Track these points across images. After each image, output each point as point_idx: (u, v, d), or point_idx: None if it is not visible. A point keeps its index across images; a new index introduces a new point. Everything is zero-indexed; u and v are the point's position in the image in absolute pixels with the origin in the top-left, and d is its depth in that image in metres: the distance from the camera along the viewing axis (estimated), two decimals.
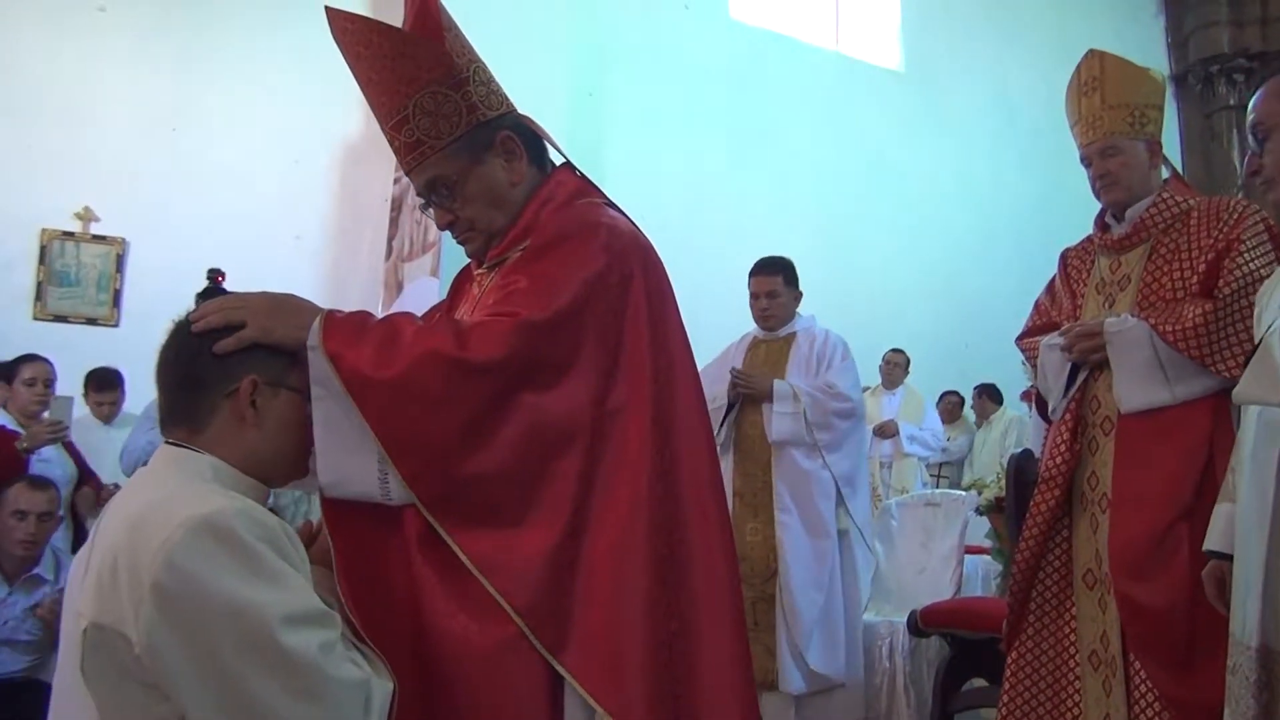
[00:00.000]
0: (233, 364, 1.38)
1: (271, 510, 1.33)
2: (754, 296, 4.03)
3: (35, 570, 3.34)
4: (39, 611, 3.30)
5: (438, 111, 1.70)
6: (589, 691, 1.44)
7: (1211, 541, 1.94)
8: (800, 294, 4.09)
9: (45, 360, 4.23)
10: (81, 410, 4.97)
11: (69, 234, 6.09)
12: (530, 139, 1.82)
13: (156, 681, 1.18)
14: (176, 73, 6.45)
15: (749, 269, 4.14)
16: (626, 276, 1.64)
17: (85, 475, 4.21)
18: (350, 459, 1.42)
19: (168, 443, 1.40)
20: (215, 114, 6.52)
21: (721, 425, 3.80)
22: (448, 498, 1.44)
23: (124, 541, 1.22)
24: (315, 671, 1.20)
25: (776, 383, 3.77)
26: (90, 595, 1.23)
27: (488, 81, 1.79)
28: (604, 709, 1.43)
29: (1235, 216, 2.38)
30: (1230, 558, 1.85)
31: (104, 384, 4.95)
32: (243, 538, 1.20)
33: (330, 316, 1.49)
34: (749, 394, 3.79)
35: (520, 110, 1.85)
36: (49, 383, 4.19)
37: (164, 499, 1.25)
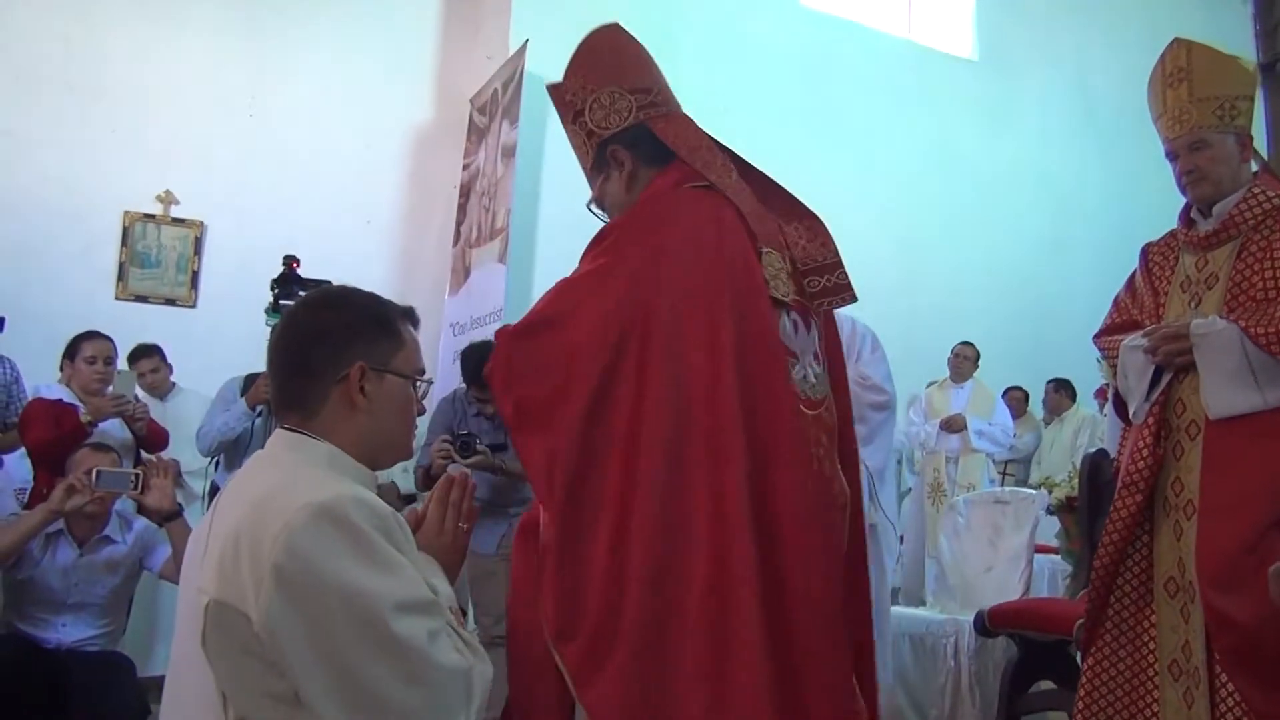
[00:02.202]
0: (341, 351, 1.43)
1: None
2: None
3: (104, 533, 3.44)
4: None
5: (578, 147, 2.02)
6: None
7: None
8: None
9: (106, 338, 4.28)
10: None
11: (150, 216, 6.25)
12: (648, 141, 1.94)
13: (273, 658, 1.23)
14: (254, 59, 6.58)
15: None
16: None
17: (156, 435, 4.33)
18: None
19: (284, 428, 1.45)
20: (290, 100, 6.64)
21: None
22: None
23: (246, 523, 1.28)
24: (423, 657, 1.25)
25: None
26: (212, 573, 1.29)
27: (610, 102, 1.96)
28: None
29: None
30: None
31: (139, 354, 4.96)
32: (359, 525, 1.26)
33: None
34: None
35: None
36: (109, 360, 4.23)
37: (285, 484, 1.31)
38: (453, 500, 1.56)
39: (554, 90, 1.99)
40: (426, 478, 4.06)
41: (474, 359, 3.97)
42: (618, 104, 1.95)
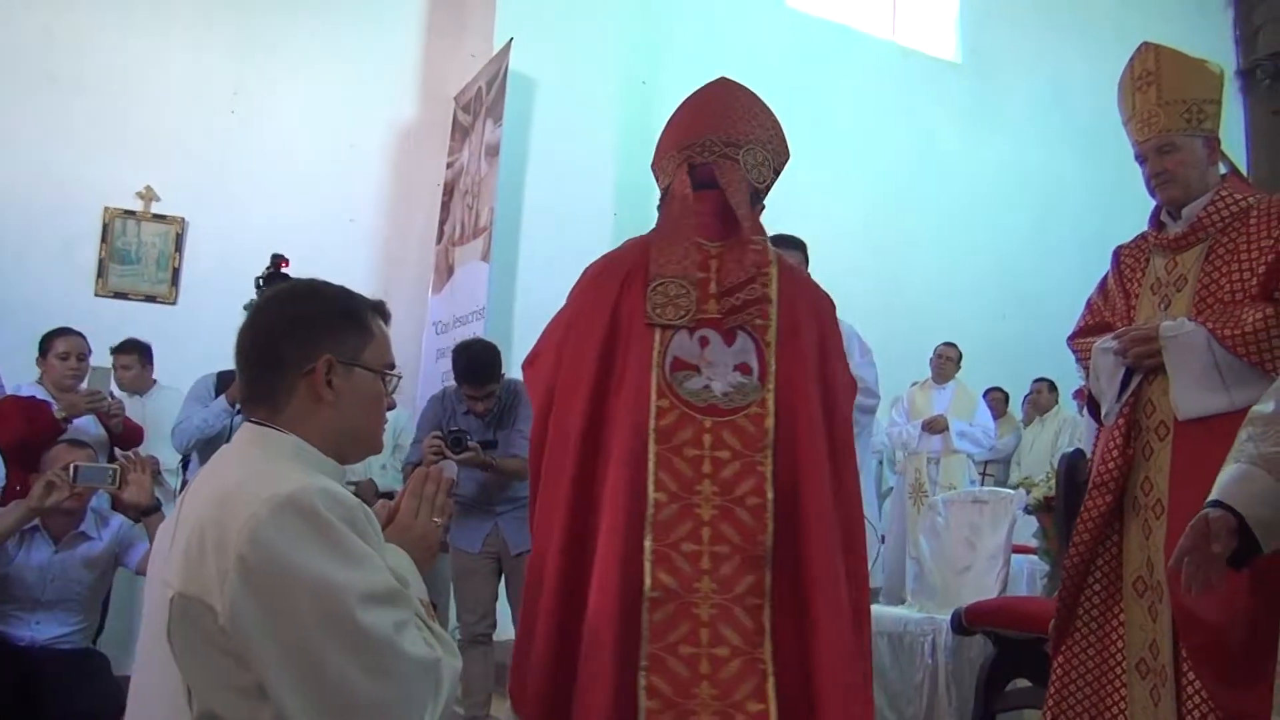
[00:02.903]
0: (310, 344, 1.42)
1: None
2: None
3: (80, 529, 3.43)
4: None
5: None
6: None
7: (1218, 492, 1.80)
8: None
9: (78, 334, 4.27)
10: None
11: (130, 212, 6.22)
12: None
13: (238, 651, 1.22)
14: (237, 56, 6.56)
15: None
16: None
17: (131, 432, 4.31)
18: None
19: (250, 421, 1.44)
20: (274, 97, 6.62)
21: None
22: None
23: (211, 516, 1.27)
24: (389, 649, 1.24)
25: None
26: (178, 566, 1.29)
27: (663, 164, 2.25)
28: None
29: None
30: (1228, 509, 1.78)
31: (119, 349, 4.95)
32: (324, 516, 1.25)
33: None
34: None
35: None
36: (82, 356, 4.22)
37: (250, 477, 1.31)
38: (426, 494, 1.54)
39: None
40: None
41: (465, 357, 3.98)
42: (665, 164, 2.21)
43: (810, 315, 2.06)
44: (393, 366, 1.53)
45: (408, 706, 1.26)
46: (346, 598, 1.22)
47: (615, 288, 2.04)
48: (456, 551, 4.15)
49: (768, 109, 2.21)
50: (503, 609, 4.24)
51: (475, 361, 3.92)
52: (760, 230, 2.12)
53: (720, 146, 2.11)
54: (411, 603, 1.33)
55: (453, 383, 4.22)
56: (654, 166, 2.23)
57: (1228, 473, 1.85)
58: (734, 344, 1.95)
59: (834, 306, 2.19)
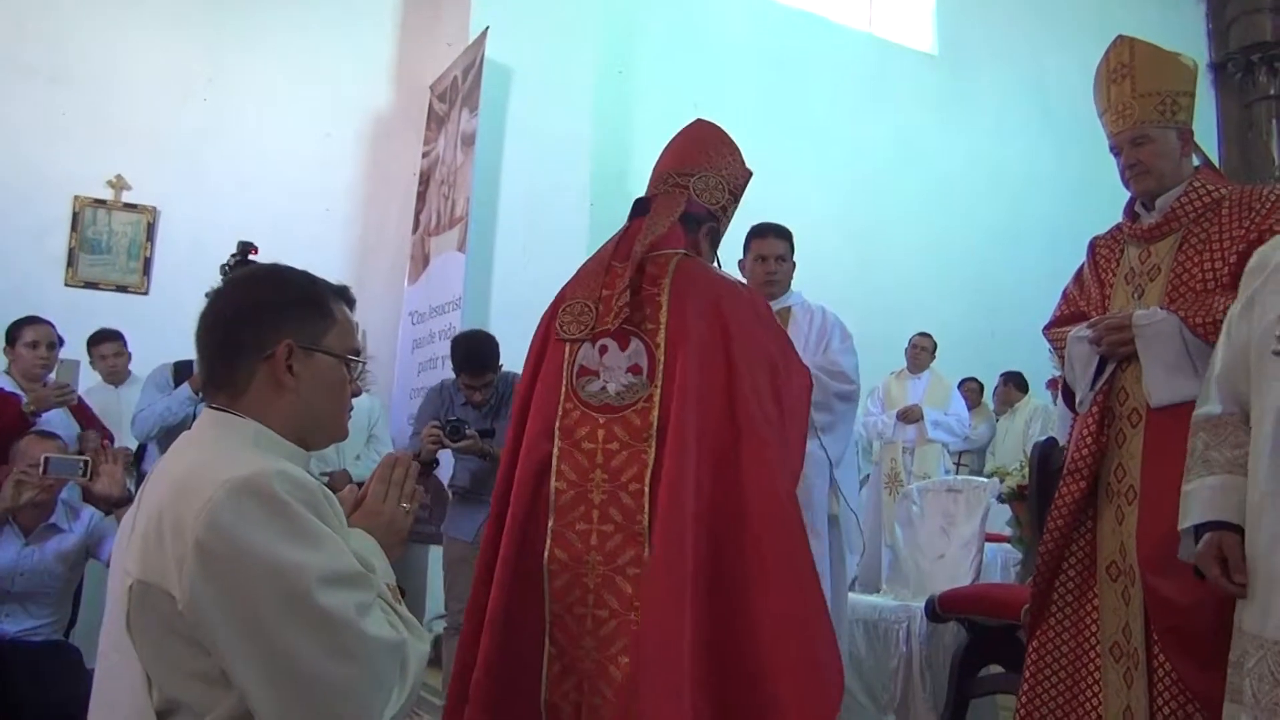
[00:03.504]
0: (269, 329, 1.41)
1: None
2: (760, 259, 3.73)
3: (50, 521, 3.40)
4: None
5: None
6: None
7: (1214, 512, 1.85)
8: (794, 265, 3.90)
9: (47, 323, 4.21)
10: (94, 378, 5.02)
11: (101, 201, 6.15)
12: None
13: (198, 637, 1.21)
14: (209, 43, 6.49)
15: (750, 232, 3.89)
16: None
17: (103, 434, 4.22)
18: None
19: (211, 407, 1.43)
20: (247, 85, 6.56)
21: None
22: None
23: (169, 502, 1.26)
24: (351, 630, 1.23)
25: None
26: (136, 553, 1.28)
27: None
28: None
29: (1268, 206, 2.34)
30: (1232, 527, 1.81)
31: (100, 338, 4.94)
32: (282, 498, 1.24)
33: None
34: None
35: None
36: (51, 345, 4.17)
37: (207, 462, 1.29)
38: (395, 479, 1.53)
39: None
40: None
41: (463, 347, 4.04)
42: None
43: (703, 314, 2.19)
44: (358, 352, 1.51)
45: (373, 688, 1.25)
46: (306, 580, 1.21)
47: (551, 312, 2.36)
48: (449, 540, 4.21)
49: (725, 139, 2.49)
50: None
51: (473, 351, 4.00)
52: (676, 243, 2.30)
53: (674, 178, 2.42)
54: (375, 585, 1.32)
55: (450, 376, 4.29)
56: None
57: (1210, 486, 1.87)
58: (627, 349, 2.20)
59: (739, 292, 2.31)
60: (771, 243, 3.80)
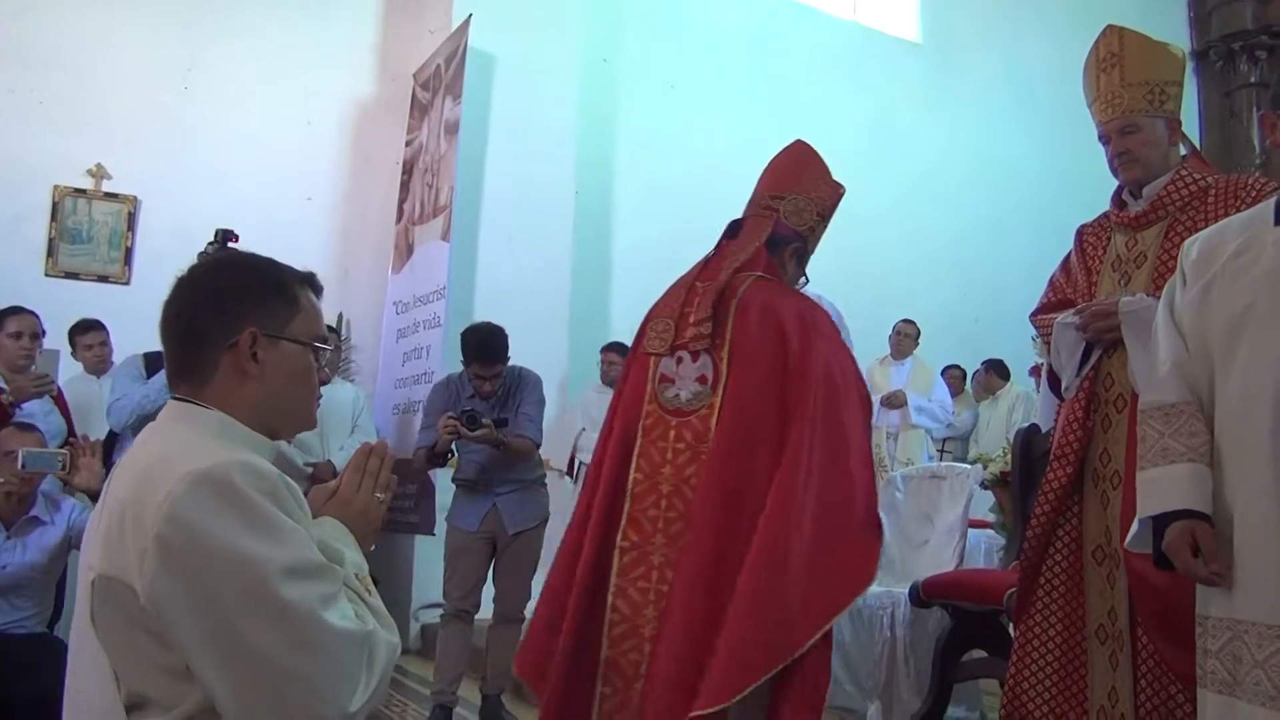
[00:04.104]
0: (232, 317, 1.39)
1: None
2: None
3: (31, 514, 3.37)
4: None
5: None
6: None
7: (1181, 501, 1.85)
8: None
9: (31, 313, 4.17)
10: (74, 368, 4.99)
11: (81, 191, 6.09)
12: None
13: (161, 631, 1.21)
14: (189, 31, 6.43)
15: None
16: None
17: (71, 431, 4.18)
18: None
19: (174, 398, 1.41)
20: (228, 72, 6.50)
21: None
22: None
23: (131, 495, 1.25)
24: (314, 623, 1.22)
25: None
26: (99, 547, 1.27)
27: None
28: None
29: (1253, 194, 2.35)
30: (1202, 516, 1.83)
31: (84, 328, 4.91)
32: (243, 490, 1.23)
33: None
34: None
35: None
36: (35, 336, 4.12)
37: (169, 454, 1.28)
38: (370, 469, 1.51)
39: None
40: (431, 456, 4.24)
41: (475, 338, 4.15)
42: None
43: (765, 334, 2.44)
44: (325, 340, 1.50)
45: (337, 680, 1.23)
46: (267, 572, 1.20)
47: (641, 328, 2.68)
48: (453, 529, 4.31)
49: (818, 161, 2.76)
50: (487, 591, 4.32)
51: (485, 342, 4.13)
52: (757, 266, 2.56)
53: (766, 200, 2.69)
54: (339, 576, 1.30)
55: (436, 367, 4.46)
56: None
57: (1174, 475, 1.88)
58: (698, 361, 2.49)
59: (803, 314, 2.50)
60: None
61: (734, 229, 2.66)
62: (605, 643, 2.37)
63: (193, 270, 1.47)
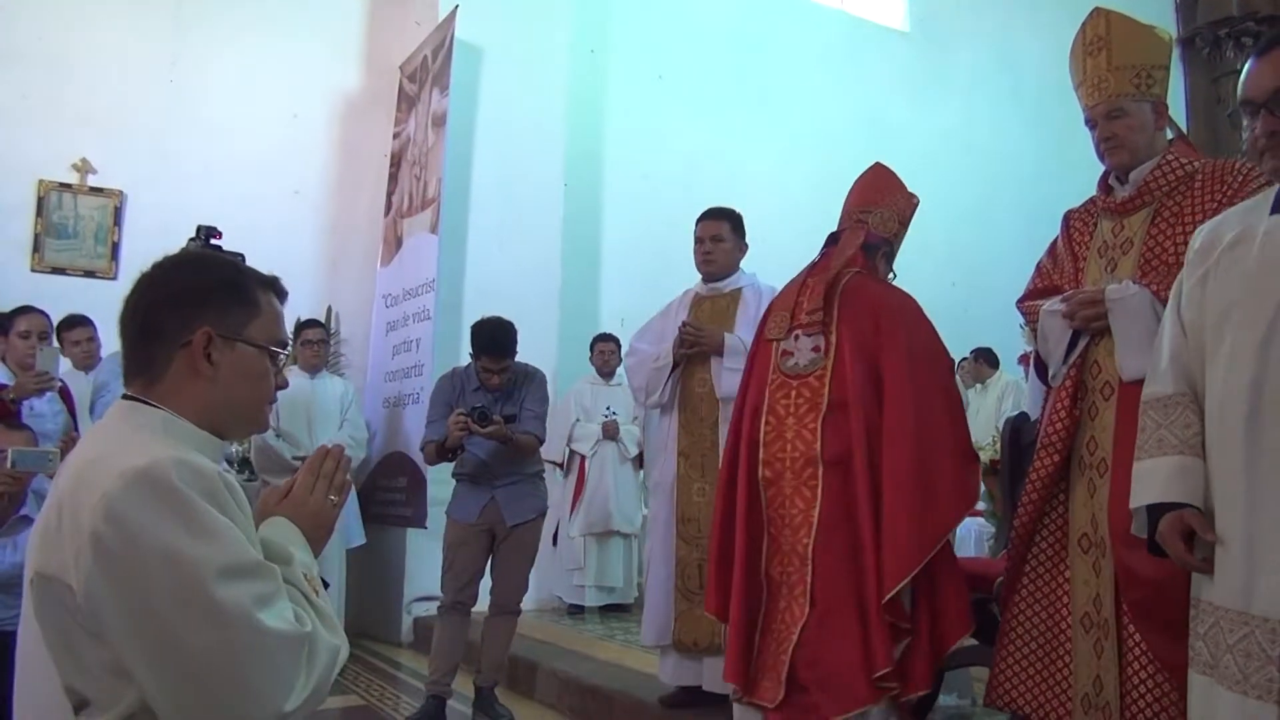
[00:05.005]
0: (188, 315, 1.39)
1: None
2: (698, 241, 3.91)
3: (21, 512, 3.36)
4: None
5: None
6: None
7: (1173, 493, 1.85)
8: (746, 247, 3.96)
9: (40, 312, 4.21)
10: (63, 364, 4.96)
11: (66, 185, 6.06)
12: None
13: (97, 630, 1.20)
14: (175, 24, 6.39)
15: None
16: None
17: (75, 427, 4.20)
18: None
19: (125, 395, 1.41)
20: (214, 67, 6.47)
21: (666, 383, 3.77)
22: None
23: (68, 493, 1.25)
24: (248, 624, 1.21)
25: (728, 336, 3.70)
26: (38, 546, 1.27)
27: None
28: None
29: (1240, 179, 2.35)
30: (1189, 507, 1.83)
31: (71, 323, 4.92)
32: (179, 489, 1.22)
33: None
34: (698, 348, 3.72)
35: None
36: (43, 335, 4.18)
37: (109, 452, 1.27)
38: (325, 471, 1.51)
39: None
40: (439, 452, 4.25)
41: (485, 331, 4.20)
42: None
43: (861, 316, 3.03)
44: (283, 345, 1.49)
45: (272, 680, 1.22)
46: (201, 572, 1.19)
47: (762, 321, 3.31)
48: (452, 522, 4.34)
49: (894, 180, 3.34)
50: (484, 584, 4.34)
51: (495, 336, 4.19)
52: (857, 263, 3.15)
53: (856, 214, 3.28)
54: (277, 576, 1.29)
55: (462, 364, 4.47)
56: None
57: (1167, 466, 1.88)
58: (812, 336, 3.09)
59: (892, 301, 3.10)
60: (706, 224, 3.95)
61: (834, 238, 3.26)
62: (763, 561, 3.02)
63: (155, 267, 1.46)
